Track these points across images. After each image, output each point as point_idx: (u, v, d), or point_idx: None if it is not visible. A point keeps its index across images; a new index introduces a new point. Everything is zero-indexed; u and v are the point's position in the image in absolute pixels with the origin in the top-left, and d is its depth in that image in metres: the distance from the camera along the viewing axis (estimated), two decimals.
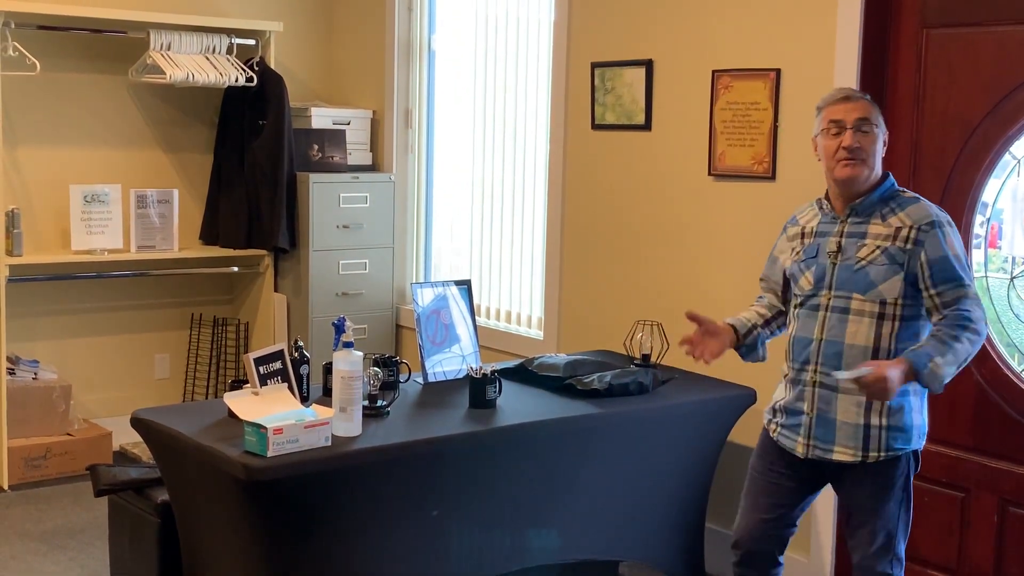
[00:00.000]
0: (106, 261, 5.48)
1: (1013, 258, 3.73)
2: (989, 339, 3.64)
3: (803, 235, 3.26)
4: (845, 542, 3.33)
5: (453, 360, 4.05)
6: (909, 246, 3.05)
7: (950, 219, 3.12)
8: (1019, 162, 3.63)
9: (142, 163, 5.75)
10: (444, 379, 3.99)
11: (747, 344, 3.39)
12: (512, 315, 5.32)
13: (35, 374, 5.36)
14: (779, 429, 3.26)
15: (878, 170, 3.16)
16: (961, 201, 3.68)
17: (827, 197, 3.25)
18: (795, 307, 3.25)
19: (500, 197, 5.37)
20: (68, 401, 5.35)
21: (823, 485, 3.31)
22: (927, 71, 3.74)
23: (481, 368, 3.78)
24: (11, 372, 5.26)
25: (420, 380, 3.96)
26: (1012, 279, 3.69)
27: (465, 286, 4.20)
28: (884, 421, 3.09)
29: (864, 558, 3.15)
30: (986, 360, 3.64)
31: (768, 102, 4.05)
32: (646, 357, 4.25)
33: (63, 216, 5.42)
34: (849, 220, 3.15)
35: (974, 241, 3.70)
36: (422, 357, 3.96)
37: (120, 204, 5.46)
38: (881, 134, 3.14)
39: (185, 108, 5.83)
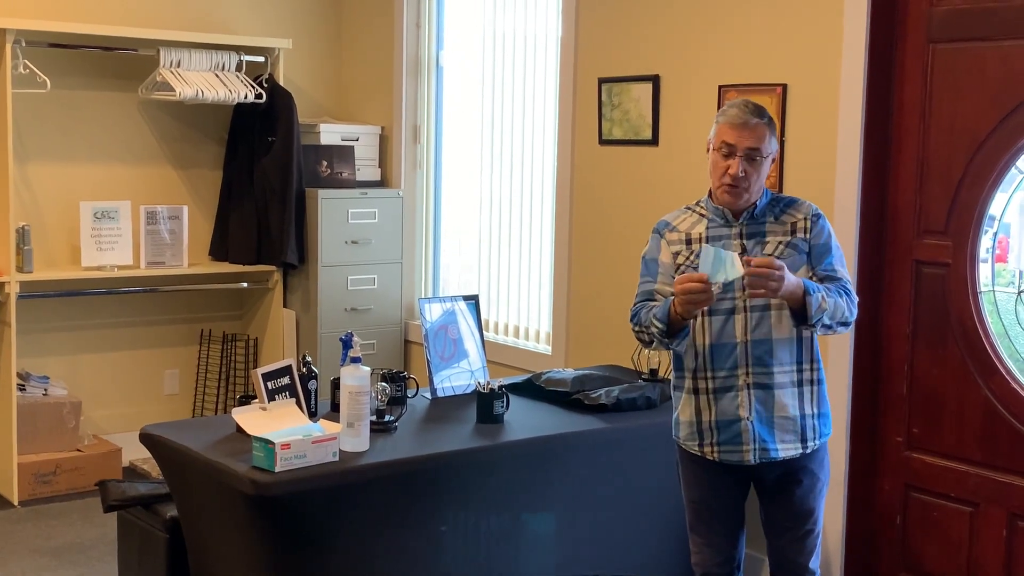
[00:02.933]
0: (116, 277, 5.50)
1: (1021, 272, 3.72)
2: (996, 353, 3.64)
3: (689, 241, 3.22)
4: (771, 543, 3.29)
5: (461, 375, 4.05)
6: (807, 236, 3.17)
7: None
8: None
9: (152, 179, 5.77)
10: (452, 394, 4.00)
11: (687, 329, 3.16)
12: (520, 330, 5.32)
13: (45, 390, 5.38)
14: (718, 448, 3.17)
15: (760, 190, 3.19)
16: (968, 215, 3.68)
17: (711, 201, 3.24)
18: (699, 315, 3.14)
19: (508, 212, 5.38)
20: (78, 417, 5.36)
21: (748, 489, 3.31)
22: (933, 86, 3.74)
23: (489, 383, 3.79)
24: (21, 388, 5.27)
25: (428, 395, 3.97)
26: (1019, 293, 3.68)
27: (473, 301, 4.21)
28: (814, 409, 3.18)
29: (797, 560, 3.22)
30: (994, 374, 3.63)
31: (775, 117, 4.05)
32: (654, 372, 4.26)
33: (73, 232, 5.45)
34: (746, 224, 3.18)
35: (982, 256, 3.70)
36: (430, 372, 3.97)
37: (130, 220, 5.48)
38: (770, 158, 3.17)
39: (195, 125, 5.86)
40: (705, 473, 3.25)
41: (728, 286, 3.06)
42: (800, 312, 3.04)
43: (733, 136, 3.12)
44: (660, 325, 3.11)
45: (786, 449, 3.15)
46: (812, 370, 3.18)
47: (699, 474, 3.26)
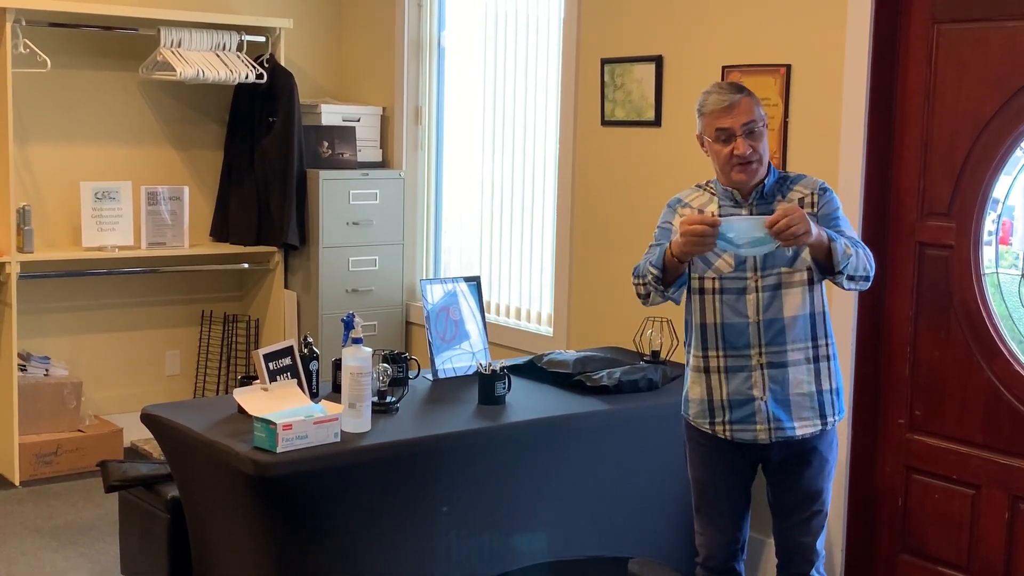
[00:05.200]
0: (117, 258, 5.49)
1: None
2: (999, 335, 3.63)
3: None
4: (777, 523, 3.29)
5: (462, 356, 4.05)
6: (814, 210, 3.15)
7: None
8: None
9: (153, 160, 5.76)
10: (453, 375, 4.00)
11: (683, 277, 3.17)
12: (522, 311, 5.32)
13: (46, 370, 5.38)
14: (730, 427, 3.17)
15: (768, 163, 3.18)
16: (972, 198, 3.66)
17: (719, 183, 3.23)
18: (709, 293, 3.16)
19: (510, 193, 5.37)
20: (79, 397, 5.37)
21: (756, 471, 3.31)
22: (937, 67, 3.72)
23: (490, 364, 3.79)
24: (22, 368, 5.27)
25: (429, 376, 3.96)
26: (1023, 275, 3.67)
27: (475, 282, 4.21)
28: (831, 384, 3.17)
29: (803, 540, 3.22)
30: (997, 356, 3.63)
31: (778, 98, 4.04)
32: (656, 353, 4.26)
33: (74, 213, 5.44)
34: (755, 204, 3.17)
35: (985, 238, 3.69)
36: (431, 353, 3.97)
37: (131, 201, 5.47)
38: (765, 126, 3.16)
39: (195, 105, 5.84)
40: (713, 453, 3.24)
41: (741, 266, 3.06)
42: (826, 262, 3.02)
43: (726, 120, 3.11)
44: (655, 271, 3.11)
45: (804, 427, 3.14)
46: (826, 345, 3.18)
47: (706, 454, 3.26)
